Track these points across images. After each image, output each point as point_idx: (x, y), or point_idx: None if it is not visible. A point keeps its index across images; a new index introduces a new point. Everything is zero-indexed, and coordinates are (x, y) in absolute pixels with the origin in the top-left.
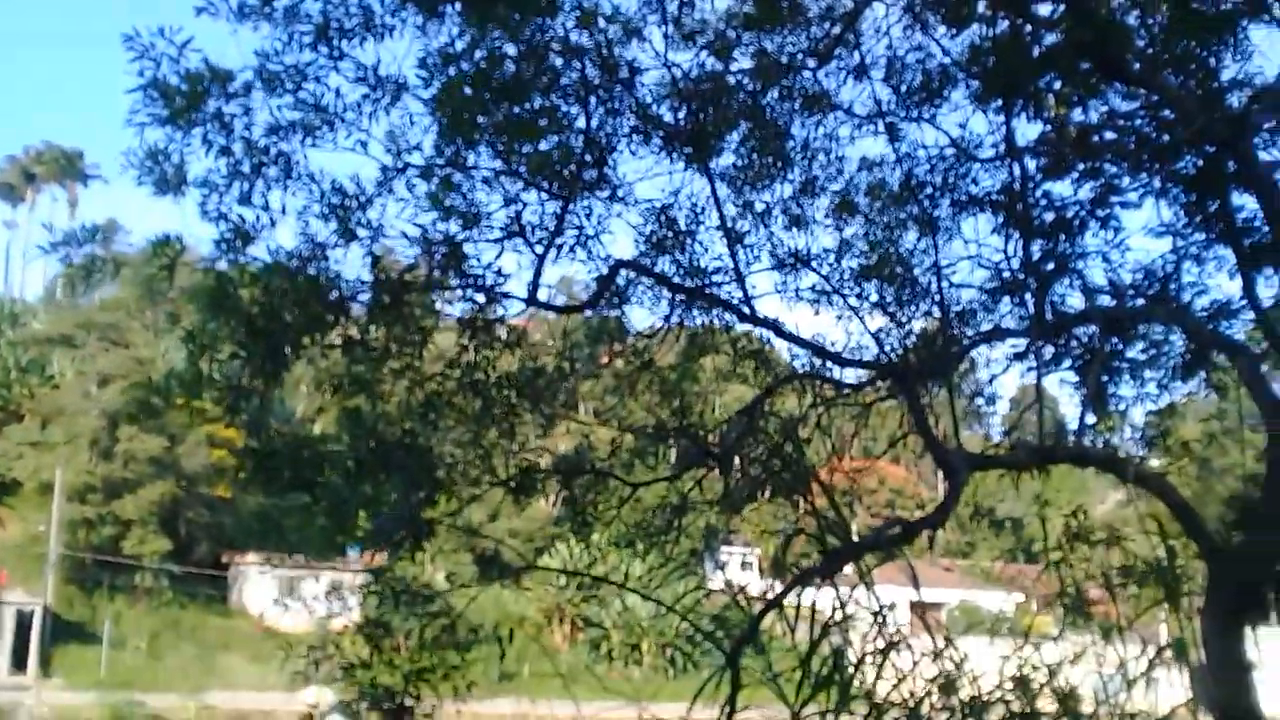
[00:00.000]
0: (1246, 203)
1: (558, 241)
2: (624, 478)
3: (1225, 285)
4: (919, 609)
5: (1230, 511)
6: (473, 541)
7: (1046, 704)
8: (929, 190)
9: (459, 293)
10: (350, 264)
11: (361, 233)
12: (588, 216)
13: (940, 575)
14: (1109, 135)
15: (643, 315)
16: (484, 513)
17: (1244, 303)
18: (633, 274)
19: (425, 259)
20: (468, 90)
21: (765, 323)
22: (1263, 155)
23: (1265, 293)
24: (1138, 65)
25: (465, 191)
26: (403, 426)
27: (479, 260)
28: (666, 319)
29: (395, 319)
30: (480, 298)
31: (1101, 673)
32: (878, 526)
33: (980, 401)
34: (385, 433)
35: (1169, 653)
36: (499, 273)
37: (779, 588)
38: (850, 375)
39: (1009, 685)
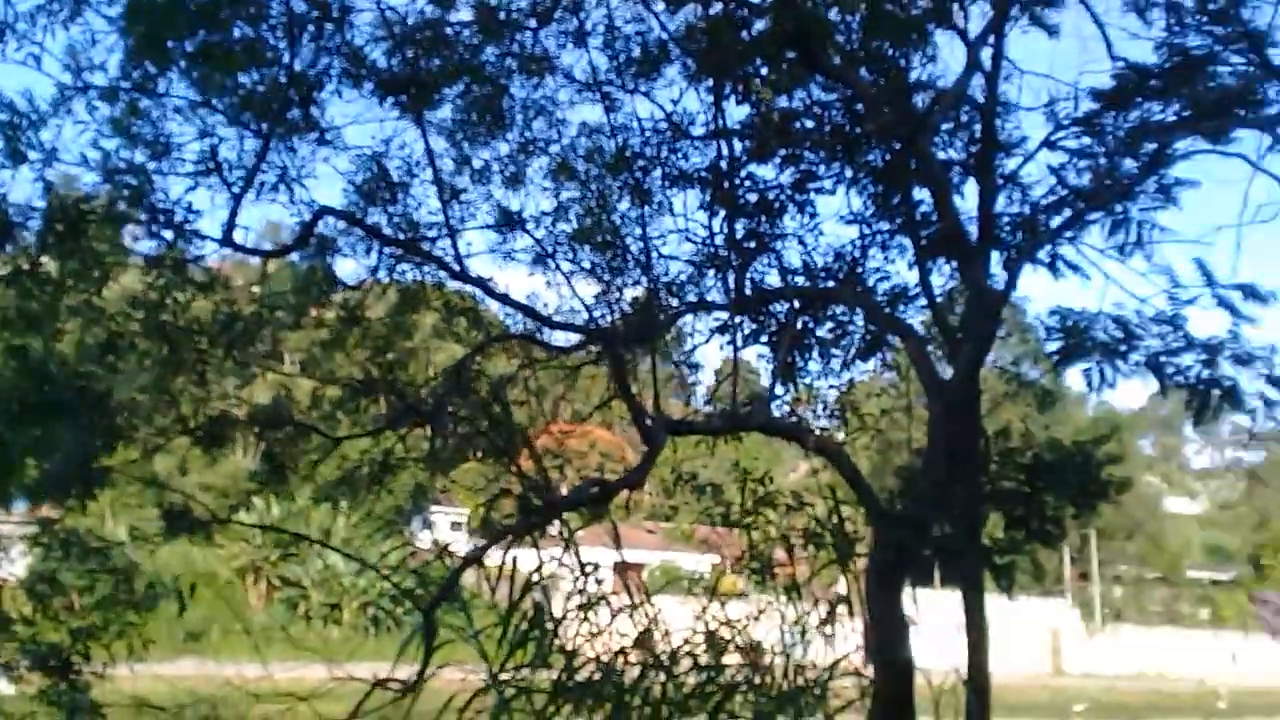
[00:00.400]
0: (925, 197)
1: (257, 181)
2: (325, 431)
3: (905, 273)
4: (622, 569)
5: (899, 481)
6: (161, 494)
7: (734, 658)
8: (642, 162)
9: (146, 228)
10: (19, 187)
11: (33, 155)
12: (291, 158)
13: (644, 537)
14: (809, 124)
15: (354, 268)
16: (172, 463)
17: (919, 290)
18: (343, 224)
19: (108, 189)
20: (159, 10)
21: (475, 281)
22: (940, 154)
23: (937, 281)
24: (836, 59)
25: (155, 120)
26: (78, 368)
27: (167, 195)
28: (373, 271)
29: (72, 251)
30: (169, 234)
31: (783, 628)
32: (577, 486)
33: (684, 370)
34: (57, 374)
35: (840, 609)
36: (190, 209)
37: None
38: (561, 339)
39: (698, 640)
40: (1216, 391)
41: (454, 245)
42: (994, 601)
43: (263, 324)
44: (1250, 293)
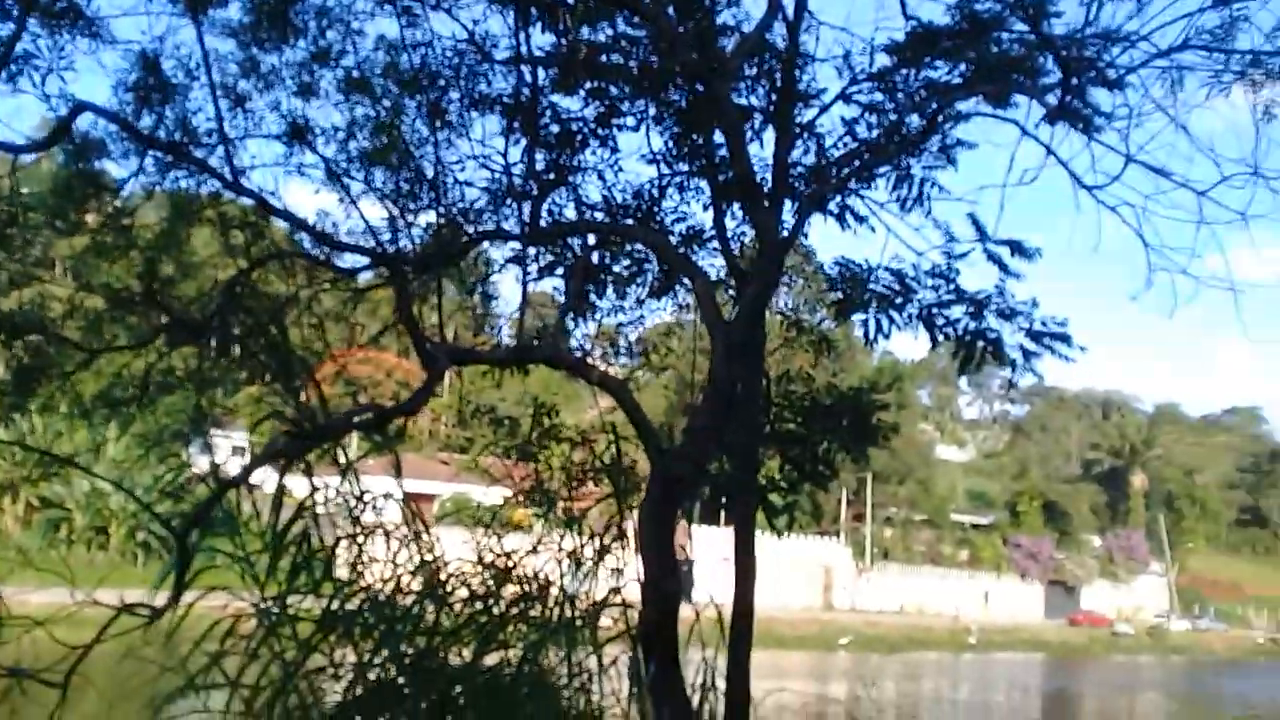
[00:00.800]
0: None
1: (8, 70)
2: (78, 343)
3: (701, 215)
4: (409, 499)
5: (684, 417)
6: None
7: (513, 588)
8: (441, 82)
9: None
10: None
11: None
12: (50, 47)
13: (438, 468)
14: (615, 59)
15: (123, 173)
16: None
17: (714, 232)
18: (115, 126)
19: None
20: None
21: (251, 194)
22: (742, 101)
23: (732, 225)
24: None
25: None
26: None
27: None
28: (134, 175)
29: None
30: None
31: (560, 559)
32: (348, 410)
33: (479, 300)
34: None
35: (621, 541)
36: None
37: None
38: (352, 260)
39: (475, 570)
40: (982, 343)
41: (228, 154)
42: (774, 540)
43: (12, 224)
44: (1017, 249)
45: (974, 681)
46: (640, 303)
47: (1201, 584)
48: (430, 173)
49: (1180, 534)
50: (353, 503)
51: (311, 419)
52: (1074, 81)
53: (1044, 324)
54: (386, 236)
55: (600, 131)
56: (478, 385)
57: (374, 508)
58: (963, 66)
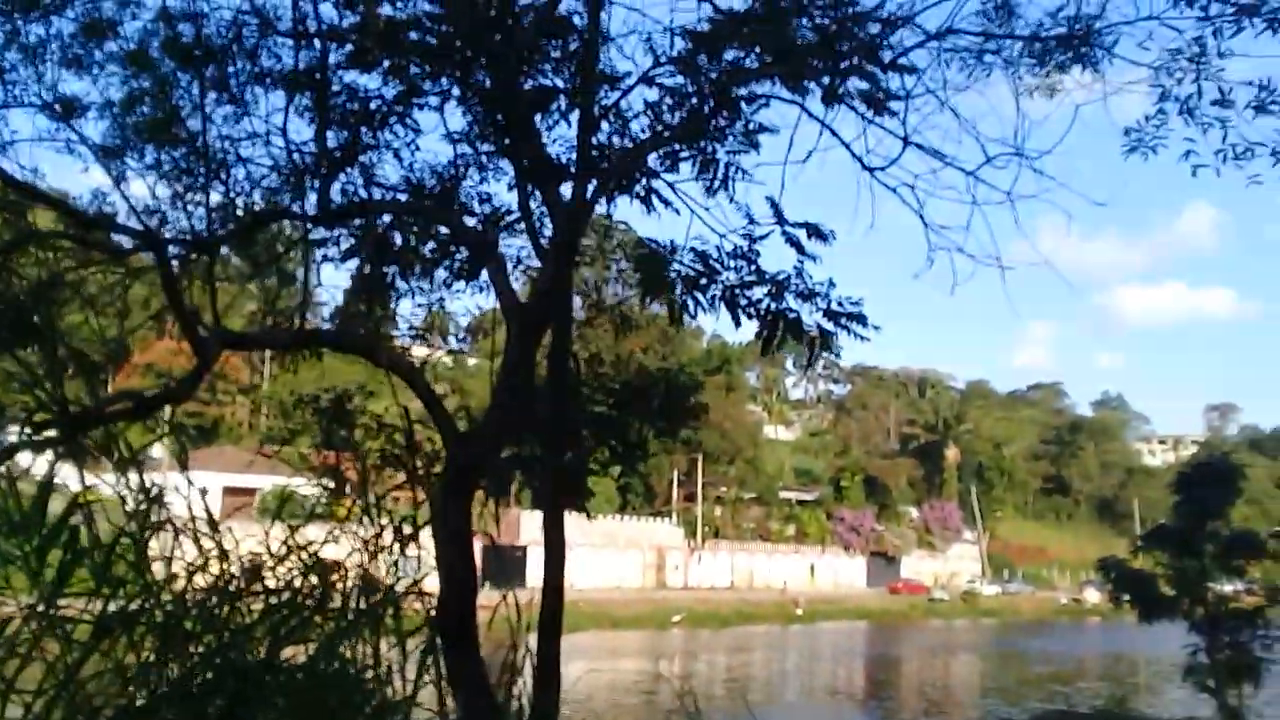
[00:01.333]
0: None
1: None
2: None
3: (506, 195)
4: (235, 494)
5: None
6: None
7: (311, 579)
8: (222, 55)
9: None
10: None
11: None
12: None
13: (264, 462)
14: (414, 36)
15: None
16: None
17: (520, 214)
18: None
19: None
20: None
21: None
22: (546, 81)
23: (536, 205)
24: None
25: None
26: None
27: None
28: None
29: None
30: None
31: (360, 549)
32: (107, 397)
33: (270, 281)
34: None
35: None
36: None
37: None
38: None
39: (270, 562)
40: (782, 323)
41: None
42: (609, 522)
43: None
44: (814, 231)
45: (800, 650)
46: (447, 285)
47: (1010, 550)
48: (209, 150)
49: (990, 503)
50: (135, 497)
51: (64, 408)
52: (843, 65)
53: (840, 304)
54: (157, 218)
55: (398, 110)
56: (303, 375)
57: (161, 503)
58: (759, 50)
